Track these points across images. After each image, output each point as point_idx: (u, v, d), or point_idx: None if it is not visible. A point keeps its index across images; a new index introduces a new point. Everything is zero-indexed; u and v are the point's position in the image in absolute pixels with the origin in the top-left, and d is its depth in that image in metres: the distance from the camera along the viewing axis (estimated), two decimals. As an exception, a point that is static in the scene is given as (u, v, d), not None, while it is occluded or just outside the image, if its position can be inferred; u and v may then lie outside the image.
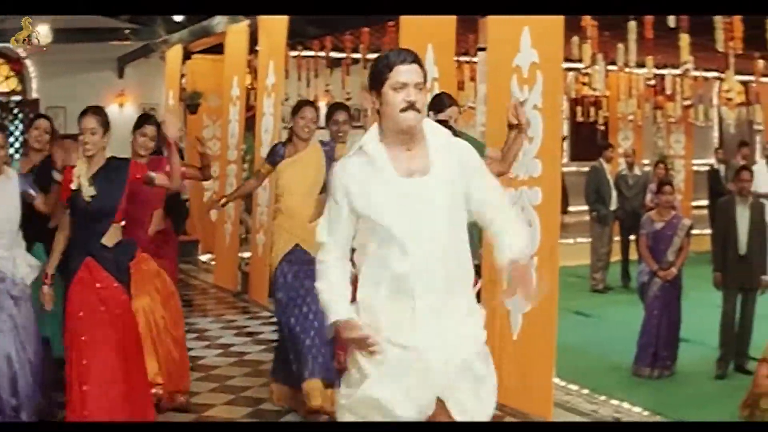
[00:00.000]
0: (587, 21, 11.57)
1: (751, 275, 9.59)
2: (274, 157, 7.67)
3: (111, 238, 6.42)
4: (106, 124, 6.43)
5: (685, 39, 11.04)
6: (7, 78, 18.80)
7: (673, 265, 9.52)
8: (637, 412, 7.92)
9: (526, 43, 7.38)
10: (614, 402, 8.14)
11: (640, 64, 13.10)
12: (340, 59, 16.26)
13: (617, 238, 14.93)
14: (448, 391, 4.10)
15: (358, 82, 15.94)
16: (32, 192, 7.01)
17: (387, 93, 4.05)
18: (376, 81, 4.09)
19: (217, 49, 15.23)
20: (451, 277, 4.08)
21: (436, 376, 4.05)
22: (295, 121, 7.60)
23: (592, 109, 18.45)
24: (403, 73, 4.03)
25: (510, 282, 4.22)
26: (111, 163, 6.45)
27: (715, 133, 21.52)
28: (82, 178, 6.32)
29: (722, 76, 14.31)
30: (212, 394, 8.28)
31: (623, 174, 14.95)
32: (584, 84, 16.58)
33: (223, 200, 8.52)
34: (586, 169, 15.54)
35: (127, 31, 17.59)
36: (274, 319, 8.86)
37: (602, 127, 18.79)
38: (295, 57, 16.71)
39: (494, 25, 7.94)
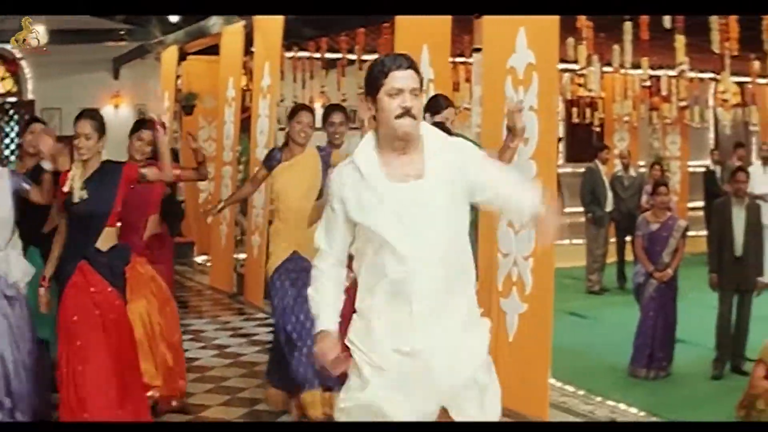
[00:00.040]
0: (583, 22, 11.56)
1: (747, 276, 9.58)
2: (271, 161, 7.64)
3: (105, 242, 6.41)
4: (101, 129, 6.42)
5: (680, 40, 11.05)
6: (2, 79, 18.80)
7: (669, 266, 9.51)
8: (633, 413, 7.92)
9: (521, 44, 7.37)
10: (610, 403, 8.14)
11: (636, 65, 13.11)
12: (335, 60, 16.29)
13: (613, 240, 14.93)
14: (452, 401, 4.09)
15: (353, 83, 15.93)
16: (26, 186, 6.99)
17: (382, 99, 4.02)
18: (372, 87, 4.06)
19: (213, 50, 15.22)
20: (451, 278, 4.06)
21: (440, 388, 4.05)
22: (291, 126, 7.55)
23: (587, 111, 18.48)
24: (399, 79, 4.00)
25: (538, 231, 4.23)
26: (105, 166, 6.44)
27: (711, 135, 21.51)
28: (75, 181, 6.32)
29: (718, 77, 14.31)
30: (208, 395, 8.28)
31: (619, 175, 14.94)
32: (580, 85, 16.63)
33: (220, 206, 8.50)
34: (582, 170, 15.52)
35: (122, 32, 17.59)
36: (270, 321, 8.85)
37: (598, 129, 18.82)
38: (290, 58, 16.73)
39: (489, 26, 7.93)
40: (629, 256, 13.16)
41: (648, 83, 15.35)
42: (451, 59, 10.17)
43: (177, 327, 7.94)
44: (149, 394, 7.11)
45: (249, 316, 11.88)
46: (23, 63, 18.53)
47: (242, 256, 13.39)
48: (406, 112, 3.98)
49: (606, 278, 14.61)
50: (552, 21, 7.19)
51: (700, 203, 18.02)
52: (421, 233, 3.98)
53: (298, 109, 7.68)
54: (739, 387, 8.12)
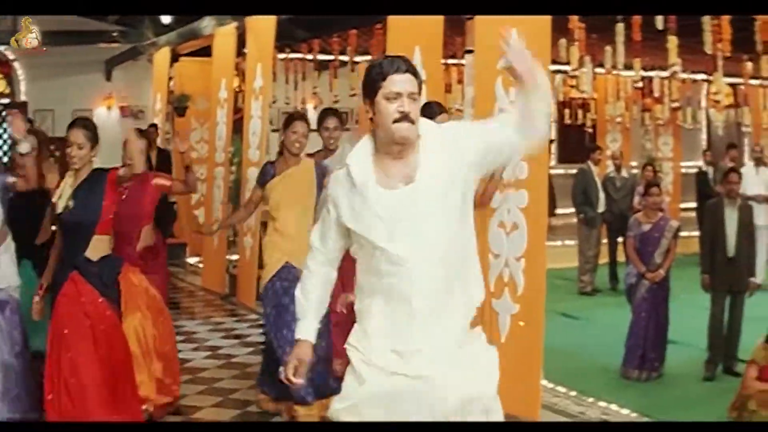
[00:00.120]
0: (575, 23, 11.58)
1: (739, 277, 9.59)
2: (264, 177, 7.59)
3: (96, 251, 6.39)
4: (94, 139, 6.40)
5: (673, 41, 11.06)
6: (-5, 81, 18.81)
7: (661, 267, 9.51)
8: (625, 414, 7.93)
9: (513, 45, 7.35)
10: (602, 404, 8.14)
11: (628, 67, 13.12)
12: (327, 62, 16.29)
13: (605, 241, 14.92)
14: (454, 417, 4.08)
15: (345, 84, 15.95)
16: (10, 179, 6.99)
17: (380, 102, 3.96)
18: (370, 90, 4.01)
19: (205, 51, 15.22)
20: (451, 278, 4.01)
21: (444, 410, 4.03)
22: (285, 135, 7.50)
23: (579, 112, 18.54)
24: (397, 82, 3.95)
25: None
26: (93, 174, 6.42)
27: (704, 136, 21.60)
28: (65, 190, 6.32)
29: (710, 78, 14.29)
30: (200, 396, 8.27)
31: (611, 176, 14.93)
32: (572, 86, 16.63)
33: (215, 227, 8.53)
34: (574, 171, 15.53)
35: (114, 34, 17.58)
36: (262, 322, 8.85)
37: (590, 130, 18.88)
38: (282, 59, 16.72)
39: (481, 27, 7.92)
40: (621, 257, 13.14)
41: (640, 84, 15.38)
42: (443, 61, 10.16)
43: (172, 337, 7.91)
44: (144, 407, 7.08)
45: (241, 317, 11.86)
46: (16, 64, 18.51)
47: (235, 257, 13.37)
48: (404, 117, 3.92)
49: (598, 279, 14.59)
50: (544, 22, 7.19)
51: (693, 204, 18.02)
52: (416, 235, 3.93)
53: (293, 118, 7.60)
54: (731, 388, 8.13)
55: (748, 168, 14.87)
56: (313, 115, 12.31)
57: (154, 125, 15.70)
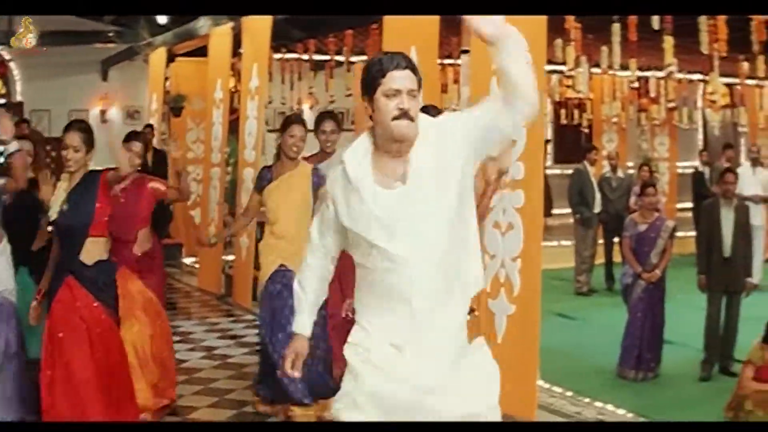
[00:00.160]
0: (571, 23, 11.57)
1: (735, 277, 9.59)
2: (261, 182, 7.58)
3: (90, 255, 6.38)
4: (90, 142, 6.39)
5: (669, 41, 11.07)
6: (-9, 81, 18.79)
7: (657, 267, 9.51)
8: (621, 415, 7.93)
9: (509, 45, 7.35)
10: (598, 404, 8.15)
11: (624, 67, 13.11)
12: (323, 62, 16.28)
13: (601, 241, 14.93)
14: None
15: (341, 84, 15.94)
16: (0, 181, 6.99)
17: (379, 100, 3.92)
18: (369, 87, 3.97)
19: (201, 51, 15.19)
20: (450, 277, 3.99)
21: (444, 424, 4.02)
22: (283, 139, 7.47)
23: (575, 112, 18.52)
24: (397, 79, 3.91)
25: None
26: (87, 177, 6.41)
27: (700, 136, 21.60)
28: (59, 194, 6.31)
29: (707, 78, 14.35)
30: (196, 396, 8.26)
31: (607, 176, 14.93)
32: (568, 86, 16.63)
33: (214, 239, 8.54)
34: (570, 171, 15.52)
35: (110, 34, 17.56)
36: (258, 323, 8.85)
37: (586, 130, 18.86)
38: (278, 60, 16.72)
39: (477, 27, 7.91)
40: (617, 258, 13.14)
41: (636, 84, 15.42)
42: (439, 61, 10.16)
43: (169, 341, 7.89)
44: (141, 416, 7.06)
45: (237, 317, 11.84)
46: (12, 65, 18.50)
47: (231, 257, 13.36)
48: (404, 114, 3.89)
49: (594, 279, 14.60)
50: (539, 22, 7.17)
51: (689, 204, 18.05)
52: (413, 234, 3.91)
53: (290, 122, 7.56)
54: (727, 388, 8.14)
55: (744, 168, 14.90)
56: (309, 115, 12.31)
57: (150, 126, 15.67)
